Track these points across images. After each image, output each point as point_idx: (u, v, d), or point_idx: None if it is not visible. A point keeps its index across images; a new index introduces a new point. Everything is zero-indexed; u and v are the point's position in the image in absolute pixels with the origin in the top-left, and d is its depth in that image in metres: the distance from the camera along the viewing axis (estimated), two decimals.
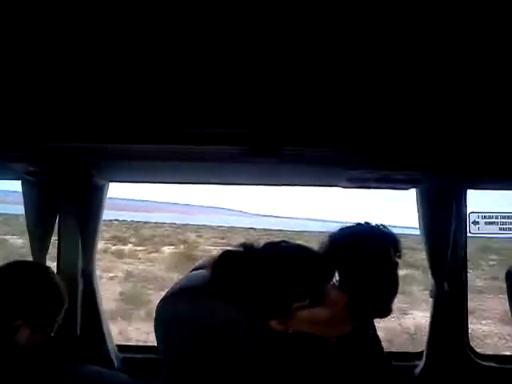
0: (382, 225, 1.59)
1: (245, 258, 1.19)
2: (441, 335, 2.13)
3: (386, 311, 1.54)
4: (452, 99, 1.27)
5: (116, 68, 1.25)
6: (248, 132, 1.38)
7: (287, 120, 1.34)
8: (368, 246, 1.51)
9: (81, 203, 2.14)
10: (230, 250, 1.22)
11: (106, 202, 2.17)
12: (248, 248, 1.22)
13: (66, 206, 2.16)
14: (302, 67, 1.23)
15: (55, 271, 2.12)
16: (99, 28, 1.16)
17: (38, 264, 1.53)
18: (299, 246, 1.23)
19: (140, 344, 6.20)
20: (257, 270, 1.16)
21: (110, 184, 2.14)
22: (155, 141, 1.41)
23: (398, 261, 1.57)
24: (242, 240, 1.31)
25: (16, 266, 1.48)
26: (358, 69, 1.23)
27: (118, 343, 2.28)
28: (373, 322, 1.58)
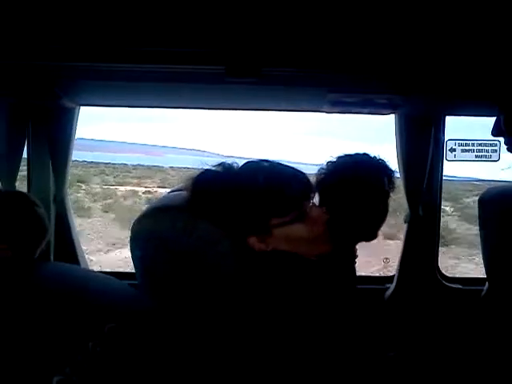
0: (380, 157, 1.60)
1: (223, 176, 1.17)
2: (412, 259, 2.19)
3: (371, 236, 1.58)
4: (432, 25, 1.23)
5: None
6: (224, 51, 1.31)
7: (265, 39, 1.27)
8: (365, 174, 1.53)
9: (50, 127, 2.06)
10: (208, 169, 1.20)
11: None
12: (227, 167, 1.19)
13: (35, 130, 2.09)
14: None
15: None
16: None
17: (24, 194, 1.53)
18: (280, 164, 1.21)
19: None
20: (235, 187, 1.14)
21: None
22: (125, 60, 1.34)
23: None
24: None
25: (3, 196, 1.51)
26: None
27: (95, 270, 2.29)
28: (355, 248, 1.61)
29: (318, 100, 1.70)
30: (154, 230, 1.16)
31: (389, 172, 1.59)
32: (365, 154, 1.58)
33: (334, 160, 1.59)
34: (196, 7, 1.22)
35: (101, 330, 1.09)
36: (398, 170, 2.11)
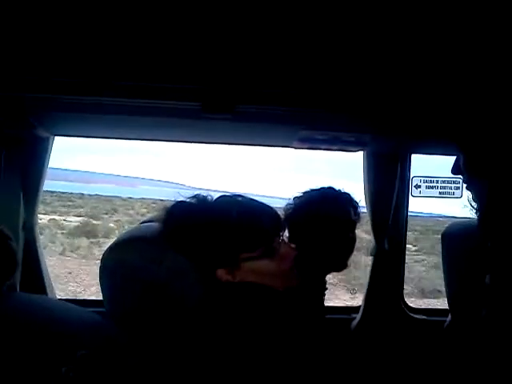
0: (344, 190, 1.67)
1: (197, 208, 1.20)
2: (378, 291, 2.25)
3: (341, 267, 1.64)
4: (398, 66, 1.30)
5: (60, 13, 1.19)
6: (200, 88, 1.35)
7: (240, 77, 1.33)
8: (331, 207, 1.59)
9: (23, 156, 2.05)
10: (182, 201, 1.22)
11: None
12: (201, 199, 1.22)
13: (8, 159, 2.07)
14: (254, 23, 1.21)
15: None
16: None
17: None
18: (252, 199, 1.25)
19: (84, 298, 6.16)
20: (207, 220, 1.17)
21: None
22: (101, 93, 1.36)
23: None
24: None
25: None
26: (309, 28, 1.22)
27: (60, 297, 2.26)
28: (324, 279, 1.65)
29: (289, 136, 1.76)
30: (122, 260, 1.18)
31: (354, 203, 1.66)
32: (330, 188, 1.65)
33: (301, 195, 1.65)
34: (173, 44, 1.26)
35: (72, 357, 1.09)
36: (364, 205, 2.19)
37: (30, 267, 2.11)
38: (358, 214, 1.66)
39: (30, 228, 2.11)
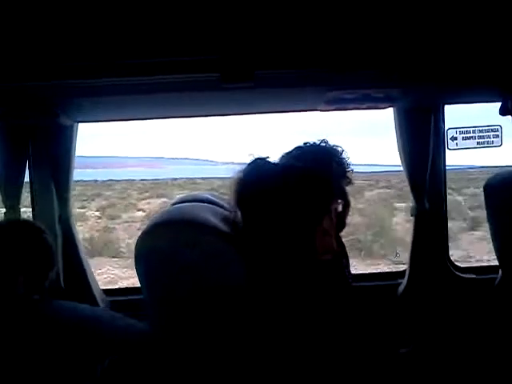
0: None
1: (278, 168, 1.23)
2: (422, 252, 2.16)
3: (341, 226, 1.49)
4: (423, 15, 1.22)
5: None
6: (217, 58, 1.31)
7: (258, 42, 1.27)
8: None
9: (50, 146, 2.05)
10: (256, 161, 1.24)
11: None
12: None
13: (35, 150, 2.08)
14: None
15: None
16: None
17: (30, 223, 1.55)
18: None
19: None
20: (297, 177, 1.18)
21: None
22: (119, 74, 1.34)
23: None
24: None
25: (10, 226, 1.53)
26: None
27: (104, 287, 2.27)
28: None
29: (315, 99, 1.70)
30: (155, 246, 1.16)
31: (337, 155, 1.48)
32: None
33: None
34: (187, 15, 1.22)
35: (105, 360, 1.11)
36: (400, 164, 2.11)
37: (70, 260, 2.11)
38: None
39: (66, 220, 2.11)
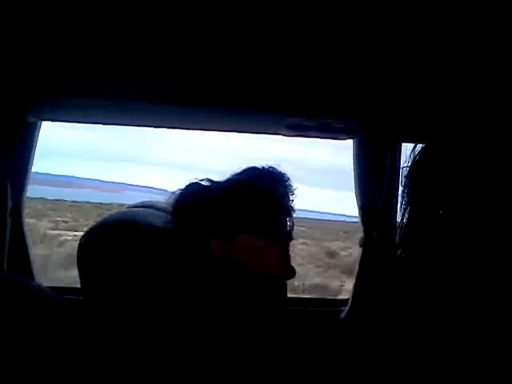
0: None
1: (205, 187, 1.26)
2: (366, 283, 2.22)
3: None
4: (386, 53, 1.29)
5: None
6: (187, 71, 1.34)
7: (225, 63, 1.32)
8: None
9: (11, 141, 2.04)
10: (194, 182, 1.27)
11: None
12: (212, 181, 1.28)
13: None
14: (238, 16, 1.21)
15: None
16: None
17: None
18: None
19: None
20: (212, 194, 1.22)
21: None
22: (88, 77, 1.36)
23: None
24: None
25: None
26: (299, 9, 1.22)
27: (48, 285, 2.24)
28: None
29: (277, 123, 1.75)
30: (98, 245, 1.18)
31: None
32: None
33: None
34: (162, 34, 1.26)
35: None
36: (354, 194, 2.18)
37: (17, 253, 2.10)
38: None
39: (17, 214, 2.10)
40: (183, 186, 1.27)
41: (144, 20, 1.25)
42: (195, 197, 1.22)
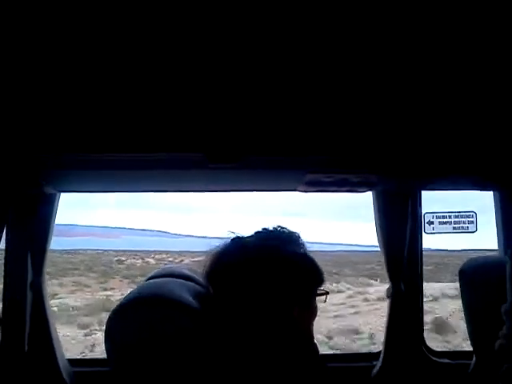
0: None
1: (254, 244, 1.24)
2: (397, 334, 2.16)
3: None
4: (402, 106, 1.29)
5: (61, 72, 1.20)
6: (204, 139, 1.35)
7: (243, 127, 1.32)
8: None
9: (30, 214, 2.05)
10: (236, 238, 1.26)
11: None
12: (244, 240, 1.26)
13: (15, 217, 2.07)
14: (256, 71, 1.22)
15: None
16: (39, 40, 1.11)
17: None
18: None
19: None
20: (274, 255, 1.20)
21: None
22: (105, 150, 1.36)
23: None
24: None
25: None
26: (308, 74, 1.23)
27: (69, 357, 2.20)
28: None
29: (295, 180, 1.74)
30: (126, 322, 1.16)
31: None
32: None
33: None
34: (174, 97, 1.27)
35: None
36: (378, 245, 2.14)
37: (37, 328, 2.07)
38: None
39: (37, 287, 2.07)
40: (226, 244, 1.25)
41: (159, 92, 1.26)
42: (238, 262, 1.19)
